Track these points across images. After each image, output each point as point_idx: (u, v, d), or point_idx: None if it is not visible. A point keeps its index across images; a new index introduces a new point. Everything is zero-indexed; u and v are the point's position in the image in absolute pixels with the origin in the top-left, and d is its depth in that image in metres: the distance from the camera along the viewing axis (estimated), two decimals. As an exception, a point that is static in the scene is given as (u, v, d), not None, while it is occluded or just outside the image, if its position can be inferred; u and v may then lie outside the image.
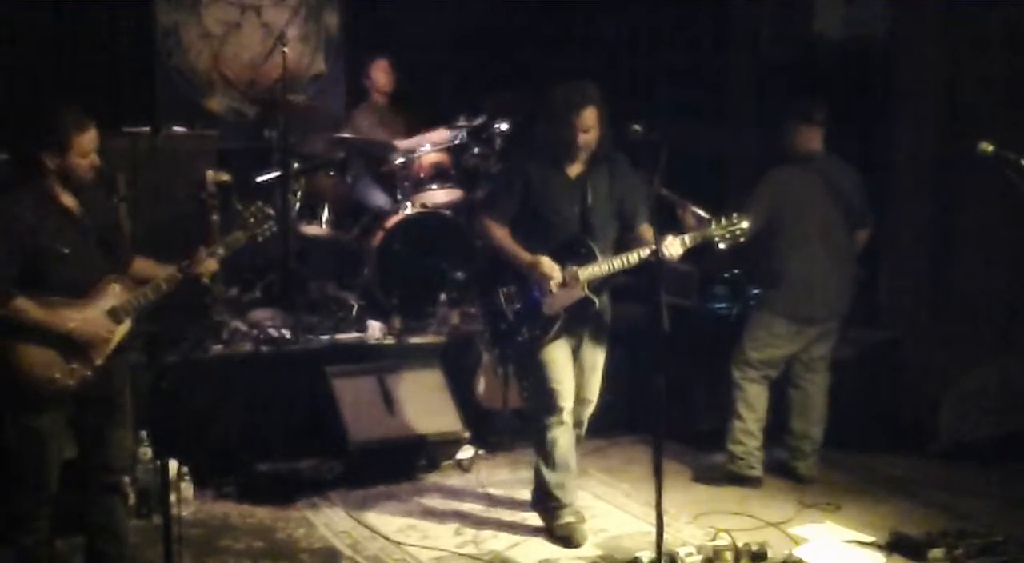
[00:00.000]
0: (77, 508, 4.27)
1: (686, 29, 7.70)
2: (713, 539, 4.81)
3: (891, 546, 4.79)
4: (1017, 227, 5.82)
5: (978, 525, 4.96)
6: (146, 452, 5.22)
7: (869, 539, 4.90)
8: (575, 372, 4.96)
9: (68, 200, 4.08)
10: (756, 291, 5.97)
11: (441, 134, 7.09)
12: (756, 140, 7.15)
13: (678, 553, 4.52)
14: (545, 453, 4.95)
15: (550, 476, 4.95)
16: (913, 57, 6.34)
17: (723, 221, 4.85)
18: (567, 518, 4.97)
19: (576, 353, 4.97)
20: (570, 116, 4.72)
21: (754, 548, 4.63)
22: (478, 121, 7.06)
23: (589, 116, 4.72)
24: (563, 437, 4.92)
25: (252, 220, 4.39)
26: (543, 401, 4.90)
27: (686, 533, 5.00)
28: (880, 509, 5.31)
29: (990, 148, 4.49)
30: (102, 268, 4.11)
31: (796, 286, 5.52)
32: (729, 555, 4.57)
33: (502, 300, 4.92)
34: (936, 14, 6.18)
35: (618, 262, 4.77)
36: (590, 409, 5.11)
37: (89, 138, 4.03)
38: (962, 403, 6.05)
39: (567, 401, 4.89)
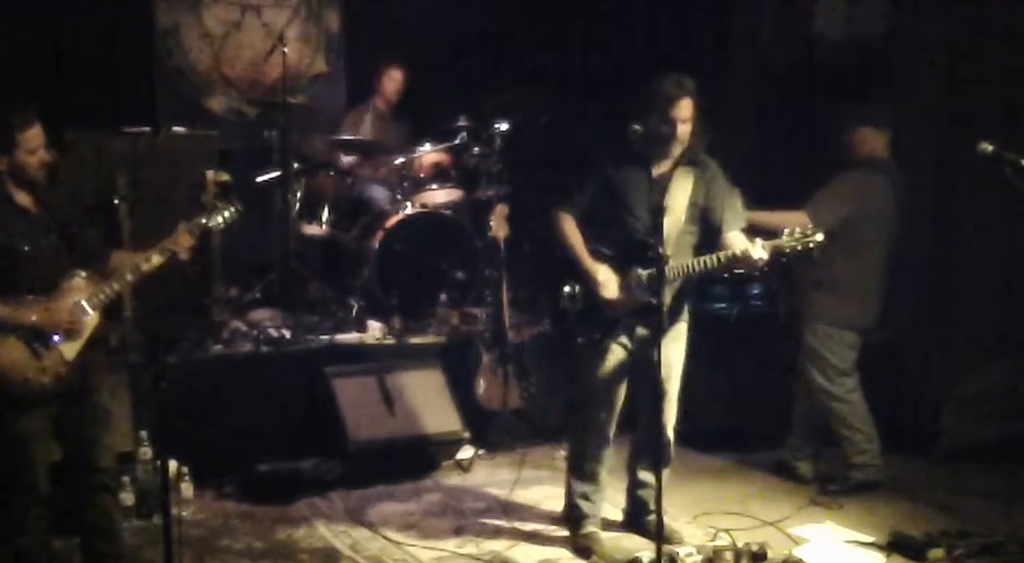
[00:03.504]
0: (73, 508, 4.27)
1: (686, 29, 7.69)
2: (713, 539, 4.82)
3: (891, 546, 4.79)
4: (1017, 227, 5.82)
5: (978, 525, 4.96)
6: (146, 452, 5.23)
7: (869, 539, 4.90)
8: (649, 375, 4.66)
9: (24, 199, 4.10)
10: (756, 291, 5.93)
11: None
12: (756, 140, 7.15)
13: (678, 553, 4.52)
14: (574, 463, 4.97)
15: (576, 486, 4.95)
16: (913, 57, 6.34)
17: (796, 233, 4.50)
18: (588, 528, 4.92)
19: (644, 356, 4.70)
20: (668, 108, 4.58)
21: (754, 548, 4.63)
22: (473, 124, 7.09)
23: (686, 107, 4.60)
24: (594, 449, 4.89)
25: (217, 205, 4.38)
26: (583, 418, 4.88)
27: (686, 533, 4.99)
28: (880, 509, 5.31)
29: (990, 148, 4.47)
30: (66, 265, 4.11)
31: (855, 296, 5.43)
32: (729, 555, 4.57)
33: (565, 300, 4.76)
34: (935, 14, 6.18)
35: (682, 268, 4.59)
36: (669, 416, 4.85)
37: (34, 134, 4.04)
38: (963, 406, 6.04)
39: (608, 423, 4.84)
